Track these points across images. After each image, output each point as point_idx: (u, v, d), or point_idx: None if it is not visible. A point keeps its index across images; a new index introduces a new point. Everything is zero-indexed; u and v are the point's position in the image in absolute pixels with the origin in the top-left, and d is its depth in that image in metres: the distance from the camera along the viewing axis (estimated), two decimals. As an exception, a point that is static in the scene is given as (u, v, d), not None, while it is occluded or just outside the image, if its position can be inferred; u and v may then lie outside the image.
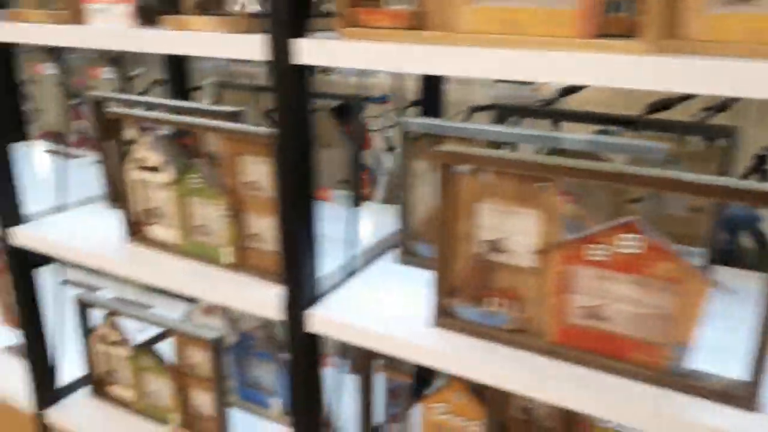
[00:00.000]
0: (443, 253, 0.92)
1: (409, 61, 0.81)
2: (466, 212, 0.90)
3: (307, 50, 0.88)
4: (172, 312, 1.82)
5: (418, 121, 1.09)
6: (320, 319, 1.00)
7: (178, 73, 1.68)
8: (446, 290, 0.94)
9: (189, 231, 1.18)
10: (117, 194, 1.45)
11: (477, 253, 0.91)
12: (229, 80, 1.62)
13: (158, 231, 1.24)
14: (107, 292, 2.05)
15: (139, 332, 1.50)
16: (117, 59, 1.63)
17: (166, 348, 1.46)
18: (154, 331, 1.59)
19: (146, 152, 1.19)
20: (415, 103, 1.51)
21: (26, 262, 1.39)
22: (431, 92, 1.35)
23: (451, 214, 0.91)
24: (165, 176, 1.17)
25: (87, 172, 1.71)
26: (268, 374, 1.43)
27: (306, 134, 0.94)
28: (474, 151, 0.86)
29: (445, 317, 0.95)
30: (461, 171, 0.89)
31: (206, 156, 1.23)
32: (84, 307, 1.47)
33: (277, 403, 1.42)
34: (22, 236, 1.34)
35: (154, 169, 1.19)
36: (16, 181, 1.33)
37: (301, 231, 0.98)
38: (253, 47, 0.91)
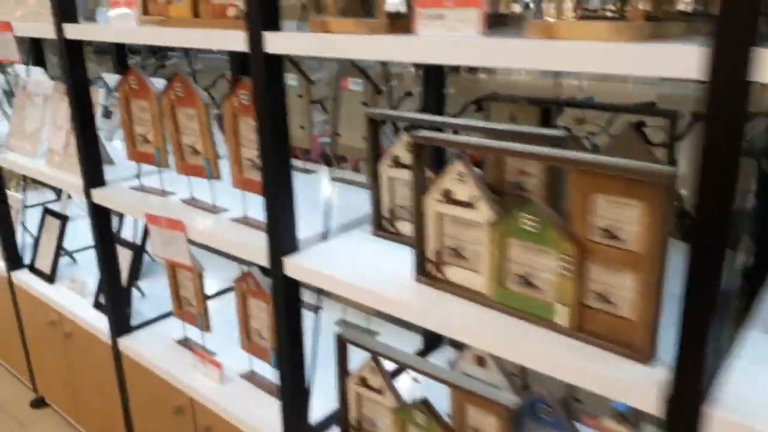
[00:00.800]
0: None
1: None
2: None
3: (771, 63, 0.63)
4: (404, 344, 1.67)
5: None
6: (725, 422, 0.75)
7: (433, 86, 1.51)
8: None
9: (504, 279, 0.99)
10: (385, 222, 1.30)
11: None
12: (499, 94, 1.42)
13: (459, 273, 1.05)
14: (333, 313, 1.95)
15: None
16: (365, 70, 1.50)
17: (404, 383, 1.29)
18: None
19: (454, 183, 1.01)
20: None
21: (296, 295, 1.28)
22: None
23: None
24: (482, 213, 0.98)
25: (335, 191, 1.60)
26: (556, 445, 1.20)
27: (733, 175, 0.70)
28: None
29: None
30: None
31: (516, 189, 1.03)
32: (344, 344, 1.33)
33: (566, 482, 1.19)
34: (294, 268, 1.22)
35: (464, 203, 1.01)
36: (294, 207, 1.22)
37: (707, 304, 0.74)
38: (679, 61, 0.68)
